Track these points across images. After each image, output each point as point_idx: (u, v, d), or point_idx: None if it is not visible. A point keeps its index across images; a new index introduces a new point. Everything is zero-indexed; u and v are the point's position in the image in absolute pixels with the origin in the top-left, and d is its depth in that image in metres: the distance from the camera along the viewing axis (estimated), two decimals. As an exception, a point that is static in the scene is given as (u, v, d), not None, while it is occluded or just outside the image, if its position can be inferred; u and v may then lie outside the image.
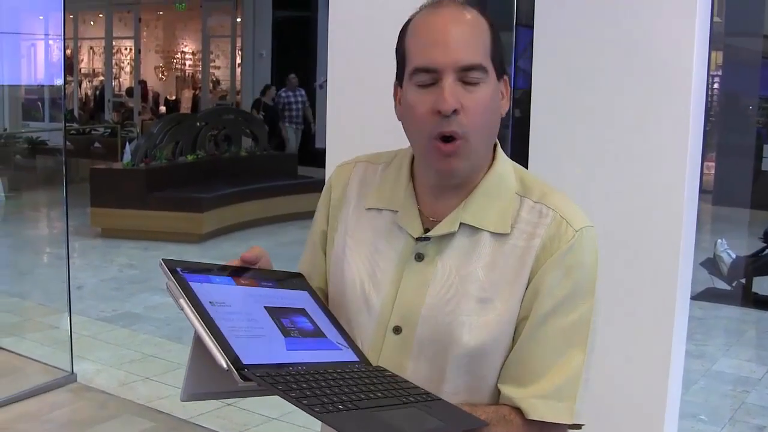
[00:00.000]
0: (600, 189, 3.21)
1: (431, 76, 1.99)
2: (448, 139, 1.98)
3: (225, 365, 1.71)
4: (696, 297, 10.53)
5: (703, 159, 19.06)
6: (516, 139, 3.56)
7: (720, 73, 20.98)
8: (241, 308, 1.90)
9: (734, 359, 8.70)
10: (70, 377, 7.33)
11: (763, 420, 7.01)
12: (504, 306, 2.03)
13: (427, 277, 2.08)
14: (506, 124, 3.60)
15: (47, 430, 6.40)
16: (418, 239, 2.10)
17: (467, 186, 2.10)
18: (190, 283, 1.84)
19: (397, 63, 2.11)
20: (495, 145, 2.15)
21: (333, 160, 3.63)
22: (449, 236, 2.08)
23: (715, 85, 20.98)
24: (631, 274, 3.21)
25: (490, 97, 2.02)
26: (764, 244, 10.71)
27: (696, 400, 7.37)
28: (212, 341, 1.73)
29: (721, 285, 10.80)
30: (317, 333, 2.03)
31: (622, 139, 3.23)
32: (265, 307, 1.96)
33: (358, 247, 2.17)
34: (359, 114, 3.67)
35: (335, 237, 2.25)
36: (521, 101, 3.59)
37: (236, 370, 1.70)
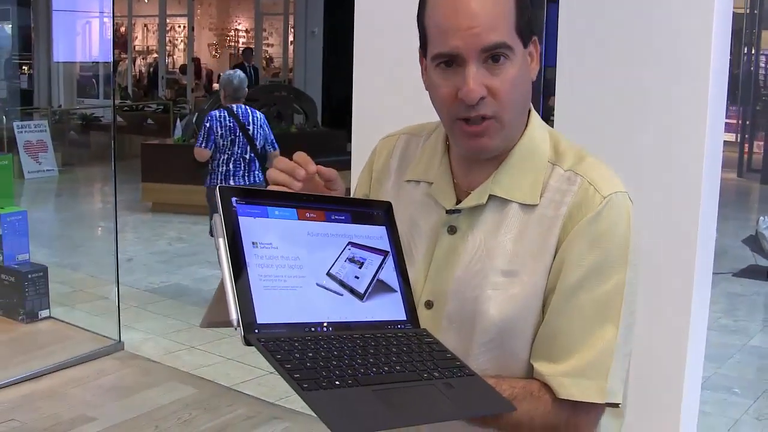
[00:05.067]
0: (620, 166, 3.22)
1: (454, 60, 1.89)
2: (475, 120, 1.91)
3: (235, 324, 1.66)
4: (738, 274, 10.57)
5: (753, 138, 19.05)
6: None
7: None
8: (289, 251, 1.80)
9: (772, 335, 8.72)
10: (118, 345, 7.51)
11: (795, 394, 7.03)
12: (530, 278, 1.94)
13: (458, 251, 2.01)
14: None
15: (95, 395, 6.56)
16: (450, 211, 2.04)
17: (501, 156, 2.02)
18: (239, 217, 1.75)
19: (419, 33, 2.01)
20: (529, 111, 2.06)
21: (360, 143, 3.73)
22: (479, 208, 2.00)
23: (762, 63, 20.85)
24: (651, 247, 3.17)
25: (518, 72, 1.91)
26: (807, 222, 10.70)
27: (731, 374, 7.42)
28: (232, 293, 1.67)
29: (764, 262, 10.74)
30: (371, 282, 1.90)
31: (642, 116, 3.22)
32: (319, 250, 1.85)
33: (397, 221, 2.03)
34: (385, 97, 3.71)
35: None
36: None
37: (245, 332, 1.67)
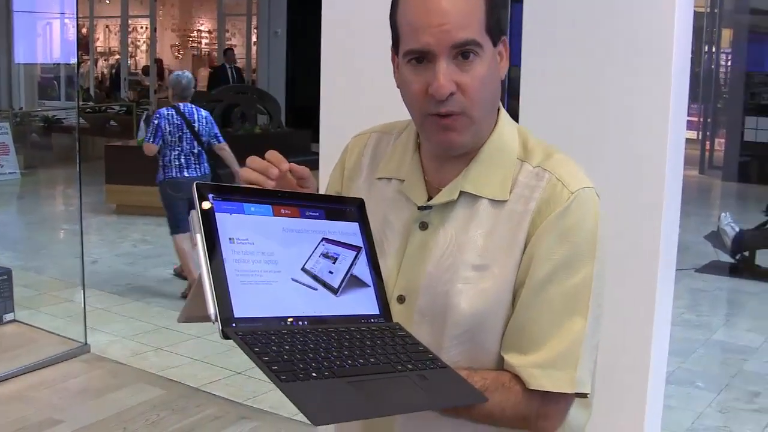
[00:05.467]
0: (584, 164, 3.21)
1: (424, 57, 1.92)
2: (445, 115, 1.94)
3: (213, 318, 1.69)
4: (700, 269, 10.67)
5: (714, 136, 19.20)
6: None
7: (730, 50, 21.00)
8: (264, 246, 1.83)
9: (734, 329, 8.83)
10: (84, 348, 7.51)
11: (758, 386, 7.13)
12: (501, 272, 1.98)
13: (430, 246, 2.04)
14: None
15: (62, 398, 6.56)
16: (421, 208, 2.07)
17: (471, 153, 2.05)
18: (216, 213, 1.78)
19: (391, 31, 2.04)
20: (498, 109, 2.09)
21: (327, 142, 3.74)
22: (450, 204, 2.04)
23: (729, 63, 21.02)
24: (615, 244, 3.15)
25: (487, 70, 1.95)
26: (767, 218, 10.80)
27: (694, 368, 7.52)
28: (210, 287, 1.70)
29: (726, 258, 10.88)
30: (344, 277, 1.94)
31: (605, 114, 3.24)
32: (294, 246, 1.88)
33: (369, 218, 2.08)
34: (353, 97, 3.70)
35: None
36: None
37: (222, 326, 1.70)
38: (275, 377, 1.60)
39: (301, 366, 1.65)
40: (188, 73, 9.82)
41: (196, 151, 9.16)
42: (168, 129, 9.03)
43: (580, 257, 1.96)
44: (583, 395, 2.00)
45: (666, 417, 3.76)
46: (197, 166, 9.17)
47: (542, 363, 1.93)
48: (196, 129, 9.14)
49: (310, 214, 1.95)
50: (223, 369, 7.15)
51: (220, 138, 9.45)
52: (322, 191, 2.35)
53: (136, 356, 7.51)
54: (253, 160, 1.97)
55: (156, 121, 9.10)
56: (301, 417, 5.13)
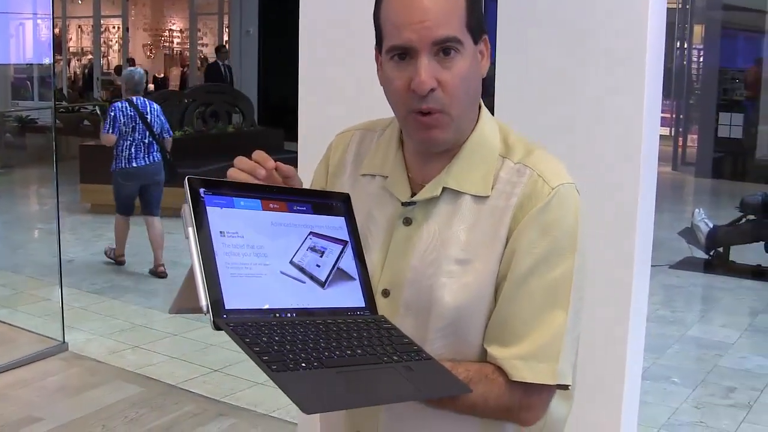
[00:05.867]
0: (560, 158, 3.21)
1: (407, 53, 1.96)
2: (426, 111, 1.98)
3: (204, 309, 1.71)
4: (674, 266, 10.72)
5: (687, 132, 19.26)
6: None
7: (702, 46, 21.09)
8: (254, 240, 1.86)
9: (709, 325, 8.88)
10: (62, 346, 7.51)
11: (733, 382, 7.17)
12: (483, 266, 2.01)
13: (413, 241, 2.08)
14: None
15: (41, 396, 6.57)
16: (405, 204, 2.10)
17: (453, 150, 2.08)
18: (207, 207, 1.81)
19: (375, 30, 2.08)
20: (480, 106, 2.13)
21: (306, 140, 3.76)
22: (434, 200, 2.08)
23: (701, 59, 21.10)
24: (591, 240, 3.12)
25: (468, 67, 1.99)
26: (740, 214, 10.85)
27: (669, 364, 7.56)
28: (201, 279, 1.73)
29: (699, 254, 10.94)
30: (331, 270, 1.97)
31: (580, 111, 3.26)
32: (282, 239, 1.91)
33: (354, 213, 2.10)
34: (332, 95, 3.73)
35: None
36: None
37: (214, 317, 1.71)
38: (266, 367, 1.63)
39: (290, 356, 1.68)
40: (140, 70, 10.79)
41: (146, 141, 9.92)
42: (122, 120, 9.79)
43: (560, 251, 2.00)
44: (565, 387, 2.03)
45: (642, 412, 3.81)
46: (147, 156, 9.96)
47: (524, 355, 1.97)
48: (148, 120, 9.92)
49: (298, 208, 1.98)
50: (200, 366, 7.17)
51: (170, 131, 10.43)
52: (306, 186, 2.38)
53: (114, 354, 7.52)
54: (240, 160, 1.99)
55: (112, 113, 9.86)
56: (278, 414, 5.16)
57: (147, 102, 10.11)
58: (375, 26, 2.08)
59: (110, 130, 9.80)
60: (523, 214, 2.01)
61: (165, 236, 10.16)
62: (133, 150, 9.86)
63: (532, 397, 2.01)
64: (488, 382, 1.97)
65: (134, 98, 9.94)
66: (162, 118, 10.14)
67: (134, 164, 9.88)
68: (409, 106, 1.99)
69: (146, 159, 9.94)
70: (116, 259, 10.65)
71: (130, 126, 9.79)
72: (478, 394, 1.93)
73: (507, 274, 2.00)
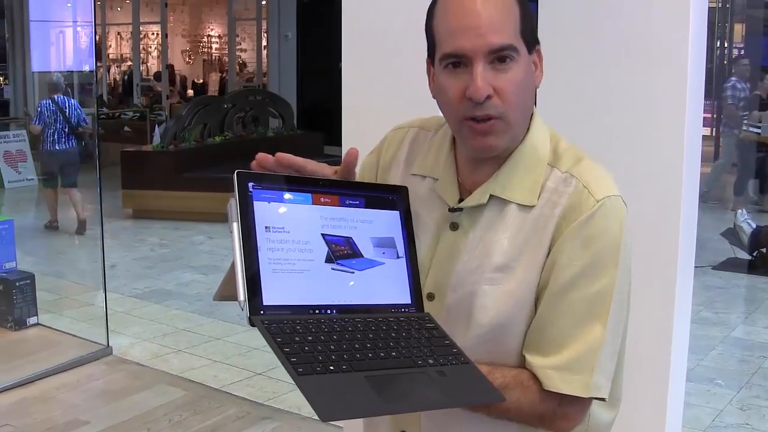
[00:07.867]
0: (601, 162, 3.17)
1: (461, 61, 1.96)
2: (482, 119, 1.97)
3: (242, 305, 1.72)
4: (717, 267, 10.64)
5: (728, 132, 19.03)
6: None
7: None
8: (300, 235, 1.85)
9: (753, 326, 8.80)
10: (106, 350, 7.58)
11: (778, 383, 7.11)
12: (524, 274, 2.02)
13: (459, 247, 2.08)
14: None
15: (86, 399, 6.63)
16: (452, 210, 2.11)
17: (503, 156, 2.08)
18: (254, 201, 1.80)
19: (427, 41, 2.08)
20: (532, 114, 2.12)
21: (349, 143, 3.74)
22: (480, 207, 2.08)
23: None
24: (633, 243, 3.13)
25: (523, 75, 1.99)
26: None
27: (713, 366, 7.50)
28: (242, 275, 1.73)
29: (742, 255, 10.85)
30: (378, 266, 1.97)
31: (622, 112, 3.24)
32: (331, 233, 1.90)
33: None
34: (375, 98, 3.69)
35: None
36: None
37: (251, 313, 1.72)
38: (292, 369, 1.64)
39: (320, 359, 1.68)
40: (58, 74, 13.48)
41: (66, 130, 12.58)
42: (47, 114, 12.52)
43: (602, 265, 2.00)
44: (601, 399, 2.03)
45: (686, 414, 3.79)
46: (66, 141, 12.65)
47: (559, 366, 1.98)
48: (66, 114, 12.57)
49: (350, 202, 1.97)
50: (243, 370, 7.20)
51: (86, 120, 12.93)
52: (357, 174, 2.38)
53: (157, 358, 7.57)
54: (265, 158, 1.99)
55: (39, 109, 12.70)
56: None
57: (66, 99, 12.75)
58: (427, 36, 2.08)
59: (37, 122, 12.64)
60: (567, 225, 2.01)
61: (200, 238, 10.10)
62: (55, 136, 12.55)
63: (567, 407, 2.02)
64: (523, 389, 1.99)
65: (55, 96, 12.66)
66: (79, 111, 12.78)
67: (57, 147, 12.56)
68: (463, 113, 1.98)
69: (65, 144, 12.60)
70: (50, 224, 12.96)
71: (53, 118, 12.49)
72: (512, 400, 1.95)
73: (547, 283, 2.01)
